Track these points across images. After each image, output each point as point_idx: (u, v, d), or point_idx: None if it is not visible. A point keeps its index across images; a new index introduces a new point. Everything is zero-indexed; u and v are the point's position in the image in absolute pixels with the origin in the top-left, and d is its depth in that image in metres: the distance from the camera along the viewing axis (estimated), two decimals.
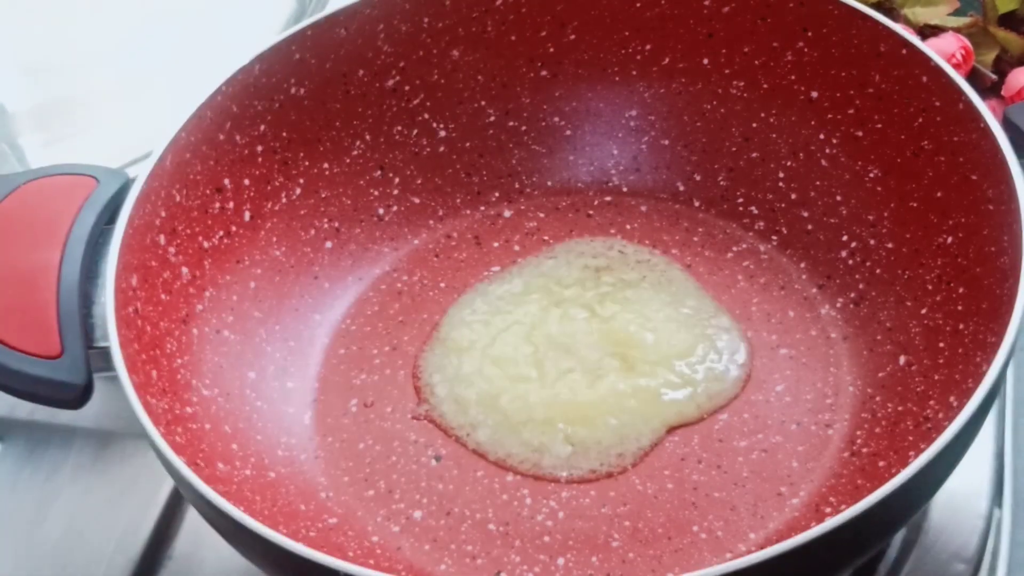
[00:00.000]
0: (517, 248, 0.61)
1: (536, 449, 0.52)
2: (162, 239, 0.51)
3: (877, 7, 0.66)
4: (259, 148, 0.56)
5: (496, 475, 0.52)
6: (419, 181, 0.62)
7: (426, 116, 0.61)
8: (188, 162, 0.53)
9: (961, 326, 0.49)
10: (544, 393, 0.53)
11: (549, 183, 0.63)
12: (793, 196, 0.59)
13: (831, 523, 0.38)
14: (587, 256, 0.60)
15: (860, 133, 0.56)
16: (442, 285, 0.60)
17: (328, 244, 0.59)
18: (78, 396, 0.47)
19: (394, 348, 0.57)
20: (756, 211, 0.60)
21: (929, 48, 0.52)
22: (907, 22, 0.69)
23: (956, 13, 0.69)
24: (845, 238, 0.57)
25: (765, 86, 0.59)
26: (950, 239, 0.51)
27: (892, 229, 0.55)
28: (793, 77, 0.58)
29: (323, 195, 0.59)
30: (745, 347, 0.55)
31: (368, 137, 0.60)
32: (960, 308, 0.50)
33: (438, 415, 0.54)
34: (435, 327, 0.58)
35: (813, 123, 0.58)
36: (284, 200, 0.58)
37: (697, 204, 0.61)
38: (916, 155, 0.53)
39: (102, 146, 0.70)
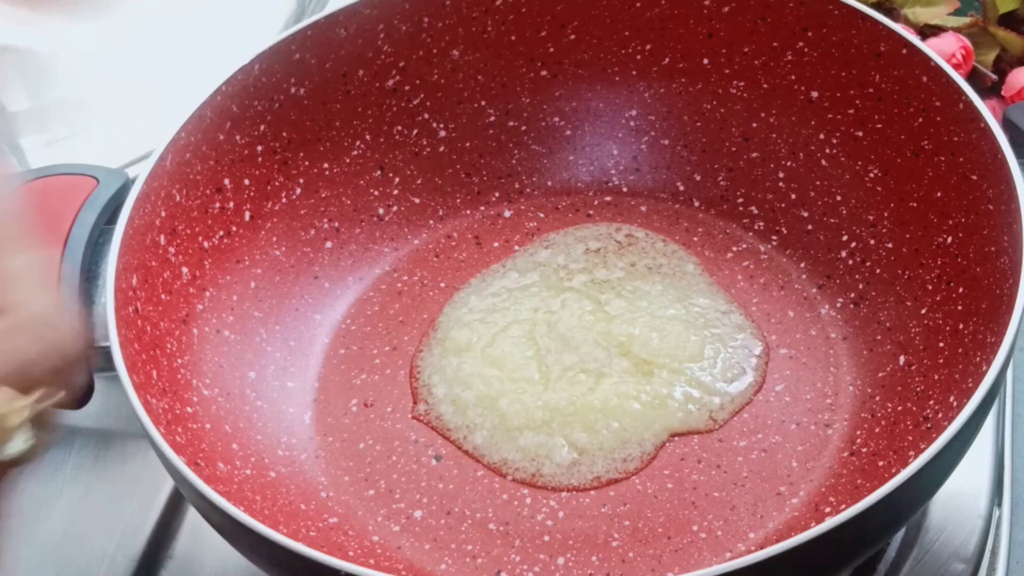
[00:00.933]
0: (517, 248, 0.61)
1: (534, 458, 0.52)
2: (162, 239, 0.51)
3: (877, 7, 0.66)
4: (259, 148, 0.56)
5: (496, 475, 0.52)
6: (419, 181, 0.62)
7: (426, 116, 0.61)
8: (188, 162, 0.53)
9: (961, 326, 0.49)
10: (545, 396, 0.53)
11: (549, 183, 0.63)
12: (793, 196, 0.59)
13: (830, 523, 0.38)
14: (589, 239, 0.60)
15: (860, 133, 0.56)
16: (442, 285, 0.60)
17: (328, 244, 0.59)
18: (78, 396, 0.47)
19: (394, 348, 0.57)
20: (756, 211, 0.60)
21: (929, 48, 0.52)
22: (907, 22, 0.69)
23: (956, 13, 0.69)
24: (845, 238, 0.57)
25: (765, 86, 0.59)
26: (950, 239, 0.51)
27: (892, 229, 0.55)
28: (793, 77, 0.58)
29: (323, 195, 0.59)
30: (761, 347, 0.55)
31: (368, 137, 0.60)
32: (960, 308, 0.50)
33: (435, 416, 0.54)
34: (432, 327, 0.58)
35: (813, 123, 0.58)
36: (284, 200, 0.58)
37: (697, 204, 0.61)
38: (916, 155, 0.53)
39: (102, 146, 0.70)
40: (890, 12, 0.69)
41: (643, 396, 0.53)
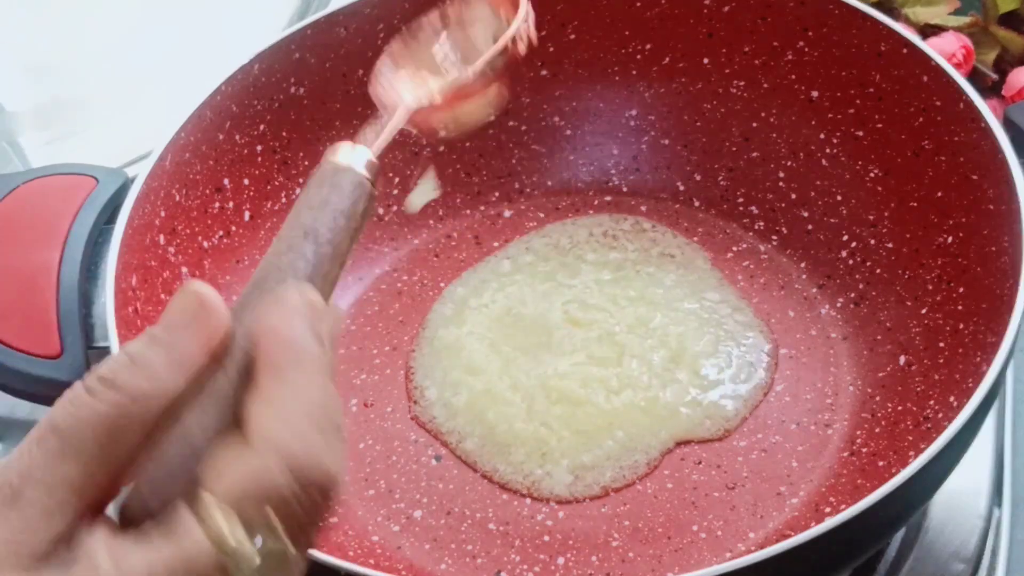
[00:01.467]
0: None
1: (528, 473, 0.51)
2: (162, 239, 0.51)
3: (877, 7, 0.66)
4: (259, 148, 0.56)
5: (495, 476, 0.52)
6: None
7: None
8: (188, 162, 0.53)
9: (961, 326, 0.49)
10: (539, 413, 0.52)
11: (549, 183, 0.63)
12: (793, 196, 0.59)
13: (830, 523, 0.38)
14: (592, 226, 0.60)
15: (860, 133, 0.56)
16: (442, 285, 0.60)
17: None
18: None
19: (394, 348, 0.57)
20: (756, 211, 0.60)
21: (930, 48, 0.52)
22: (908, 22, 0.69)
23: (957, 13, 0.69)
24: (845, 238, 0.57)
25: (765, 86, 0.59)
26: (950, 239, 0.51)
27: (892, 229, 0.55)
28: (793, 77, 0.58)
29: None
30: (770, 346, 0.55)
31: None
32: (960, 308, 0.50)
33: (428, 418, 0.54)
34: (423, 325, 0.58)
35: (813, 123, 0.58)
36: (284, 200, 0.58)
37: (697, 204, 0.61)
38: (916, 155, 0.53)
39: (102, 146, 0.70)
40: (890, 12, 0.68)
41: (652, 406, 0.52)
